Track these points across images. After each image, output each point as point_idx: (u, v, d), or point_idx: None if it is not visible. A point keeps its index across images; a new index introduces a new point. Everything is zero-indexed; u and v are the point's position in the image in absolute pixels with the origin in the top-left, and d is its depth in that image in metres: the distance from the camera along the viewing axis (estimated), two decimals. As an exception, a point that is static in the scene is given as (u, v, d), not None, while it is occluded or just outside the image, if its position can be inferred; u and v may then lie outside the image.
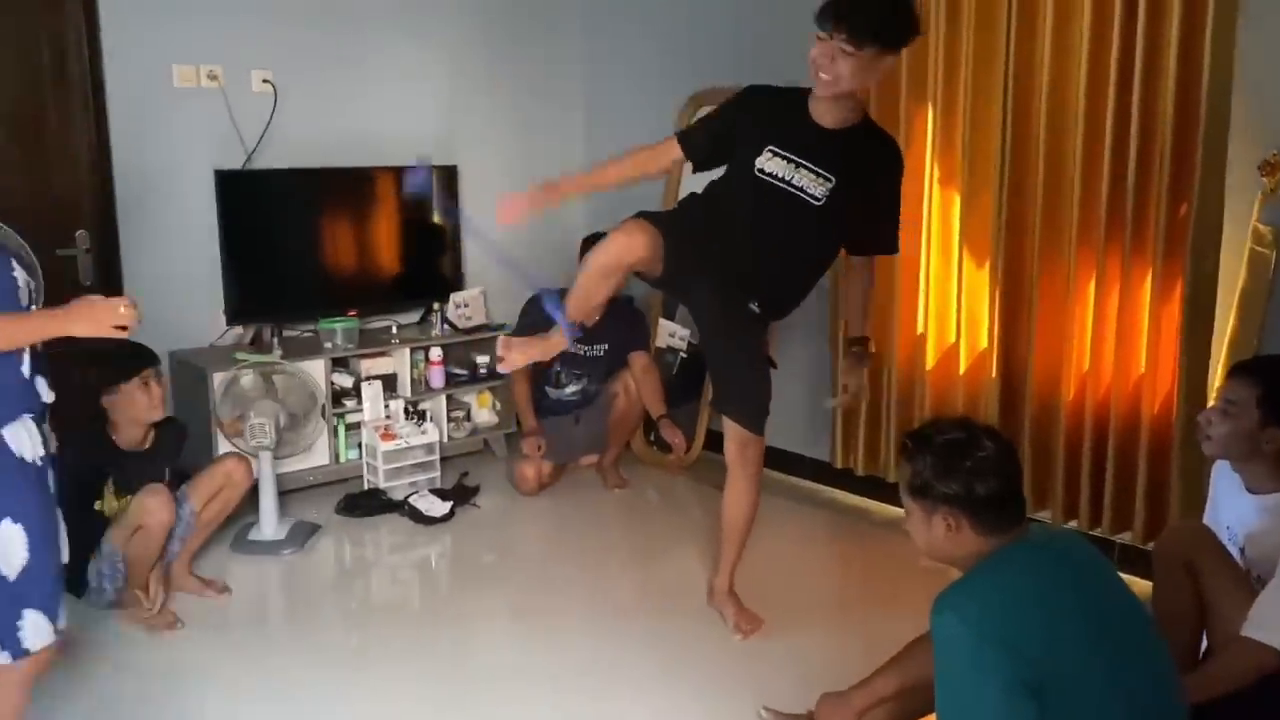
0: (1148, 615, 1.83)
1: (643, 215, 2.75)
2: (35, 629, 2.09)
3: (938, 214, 3.72)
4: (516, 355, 2.91)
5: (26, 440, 2.07)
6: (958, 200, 3.64)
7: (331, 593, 3.53)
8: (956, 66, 3.55)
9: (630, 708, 2.72)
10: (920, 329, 3.81)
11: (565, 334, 2.81)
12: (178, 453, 3.39)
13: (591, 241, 4.38)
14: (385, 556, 3.87)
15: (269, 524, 3.71)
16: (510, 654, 3.03)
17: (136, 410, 3.18)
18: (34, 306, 2.18)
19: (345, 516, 4.03)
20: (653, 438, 4.51)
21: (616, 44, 5.01)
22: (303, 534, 3.77)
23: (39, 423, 2.13)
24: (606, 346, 4.31)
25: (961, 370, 3.69)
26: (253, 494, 3.66)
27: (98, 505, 3.16)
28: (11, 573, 2.04)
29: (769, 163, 2.69)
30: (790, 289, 2.88)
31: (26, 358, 2.09)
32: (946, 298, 3.75)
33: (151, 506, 3.08)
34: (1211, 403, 2.37)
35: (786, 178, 2.67)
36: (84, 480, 3.11)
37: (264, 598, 3.50)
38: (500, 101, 4.97)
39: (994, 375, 3.59)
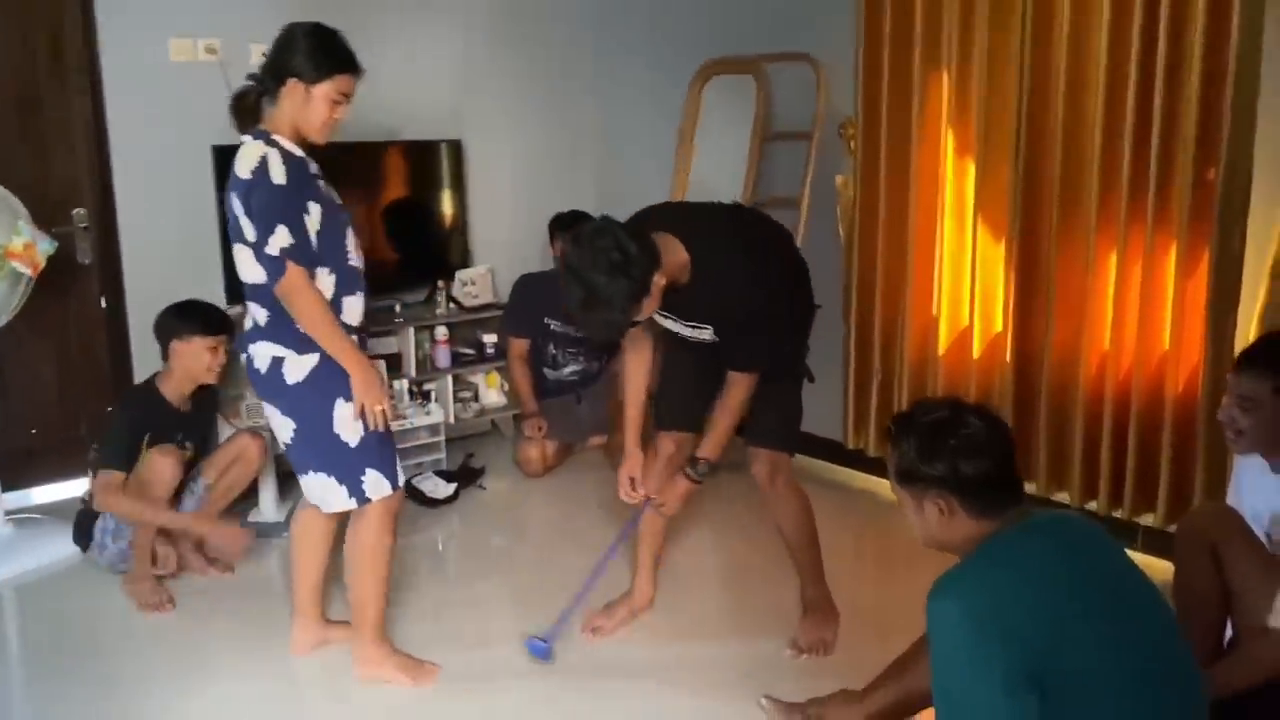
0: (1160, 598, 1.72)
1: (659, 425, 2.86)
2: (375, 483, 2.56)
3: (952, 187, 3.60)
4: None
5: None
6: (972, 171, 3.51)
7: (331, 575, 3.46)
8: (971, 30, 3.42)
9: (633, 691, 2.65)
10: (934, 310, 3.69)
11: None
12: (211, 424, 3.45)
13: (559, 223, 4.29)
14: (388, 539, 3.80)
15: (269, 505, 3.66)
16: (515, 638, 2.95)
17: (197, 367, 3.26)
18: None
19: (347, 498, 3.97)
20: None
21: (628, 15, 4.89)
22: (303, 516, 3.71)
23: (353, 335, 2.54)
24: None
25: (976, 355, 3.58)
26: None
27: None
28: (353, 441, 2.50)
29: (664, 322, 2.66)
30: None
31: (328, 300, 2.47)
32: (961, 278, 3.63)
33: (160, 465, 3.12)
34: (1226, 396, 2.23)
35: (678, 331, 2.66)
36: (138, 433, 3.17)
37: (265, 580, 3.43)
38: (509, 76, 4.87)
39: (1009, 359, 3.46)
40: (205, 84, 4.03)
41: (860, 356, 3.95)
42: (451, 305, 4.51)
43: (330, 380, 2.48)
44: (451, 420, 4.44)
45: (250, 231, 2.42)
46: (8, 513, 3.52)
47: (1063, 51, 3.18)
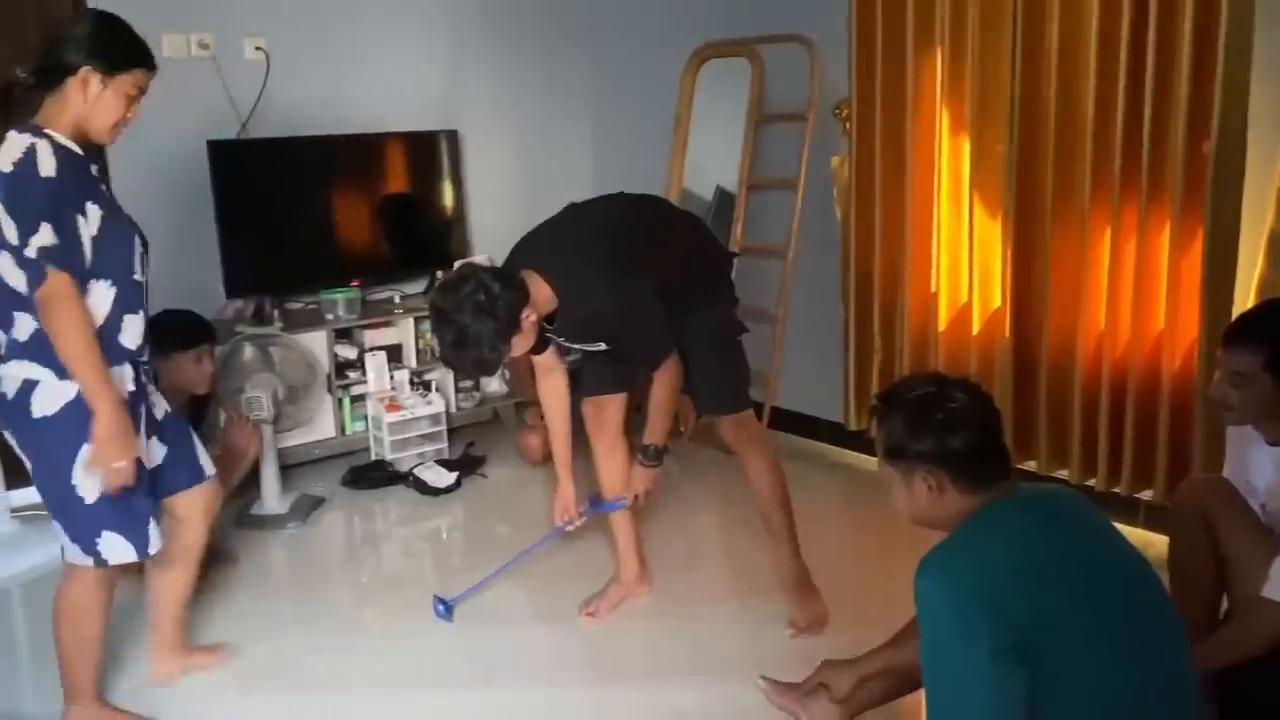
0: (1147, 569, 1.72)
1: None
2: (113, 547, 2.30)
3: (947, 165, 3.58)
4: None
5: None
6: (967, 149, 3.50)
7: (336, 566, 3.49)
8: (963, 7, 3.40)
9: (639, 676, 2.67)
10: (933, 287, 3.68)
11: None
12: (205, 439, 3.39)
13: None
14: (391, 528, 3.82)
15: (271, 498, 3.67)
16: (523, 626, 2.97)
17: (185, 380, 3.21)
18: None
19: (350, 489, 3.99)
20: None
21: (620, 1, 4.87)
22: (305, 508, 3.73)
23: (130, 361, 2.31)
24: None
25: (975, 331, 3.57)
26: (255, 468, 3.63)
27: None
28: (90, 496, 2.24)
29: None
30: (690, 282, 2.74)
31: (104, 317, 2.23)
32: (958, 254, 3.62)
33: (240, 442, 3.30)
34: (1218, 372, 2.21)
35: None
36: None
37: (269, 572, 3.45)
38: (504, 64, 4.87)
39: (1008, 335, 3.46)
40: (199, 79, 4.05)
41: (860, 337, 3.94)
42: (451, 295, 4.51)
43: (81, 423, 2.17)
44: (453, 409, 4.45)
45: (11, 232, 2.09)
46: (13, 510, 3.53)
47: (1055, 27, 3.16)
